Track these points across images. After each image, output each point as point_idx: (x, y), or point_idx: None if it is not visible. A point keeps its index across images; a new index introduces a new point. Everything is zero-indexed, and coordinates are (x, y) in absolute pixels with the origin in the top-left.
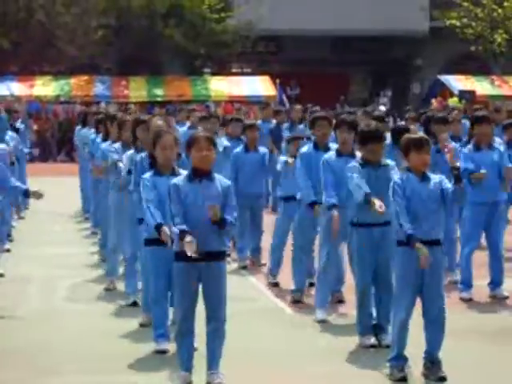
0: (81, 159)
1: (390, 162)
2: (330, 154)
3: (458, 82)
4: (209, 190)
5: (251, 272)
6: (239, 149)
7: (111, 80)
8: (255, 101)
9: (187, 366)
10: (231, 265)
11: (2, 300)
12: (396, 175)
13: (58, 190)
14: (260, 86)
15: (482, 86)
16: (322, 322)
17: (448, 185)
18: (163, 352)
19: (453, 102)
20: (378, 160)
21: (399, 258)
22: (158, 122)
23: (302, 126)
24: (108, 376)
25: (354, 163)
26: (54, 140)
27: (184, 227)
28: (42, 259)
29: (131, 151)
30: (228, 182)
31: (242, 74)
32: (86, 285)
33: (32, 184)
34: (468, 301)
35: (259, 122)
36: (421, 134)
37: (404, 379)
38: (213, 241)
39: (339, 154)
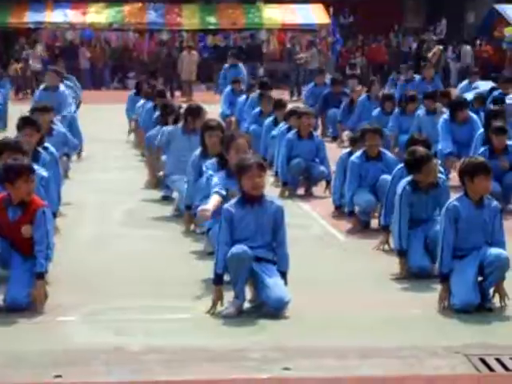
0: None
1: None
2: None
3: None
4: (260, 215)
5: (304, 199)
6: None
7: (164, 7)
8: (308, 29)
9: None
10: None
11: (59, 225)
12: None
13: (112, 117)
14: (313, 14)
15: None
16: None
17: None
18: None
19: (508, 31)
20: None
21: None
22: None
23: None
24: (165, 301)
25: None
26: (108, 67)
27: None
28: (97, 185)
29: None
30: (279, 205)
31: (295, 2)
32: (141, 210)
33: (87, 112)
34: None
35: None
36: None
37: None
38: (263, 252)
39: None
